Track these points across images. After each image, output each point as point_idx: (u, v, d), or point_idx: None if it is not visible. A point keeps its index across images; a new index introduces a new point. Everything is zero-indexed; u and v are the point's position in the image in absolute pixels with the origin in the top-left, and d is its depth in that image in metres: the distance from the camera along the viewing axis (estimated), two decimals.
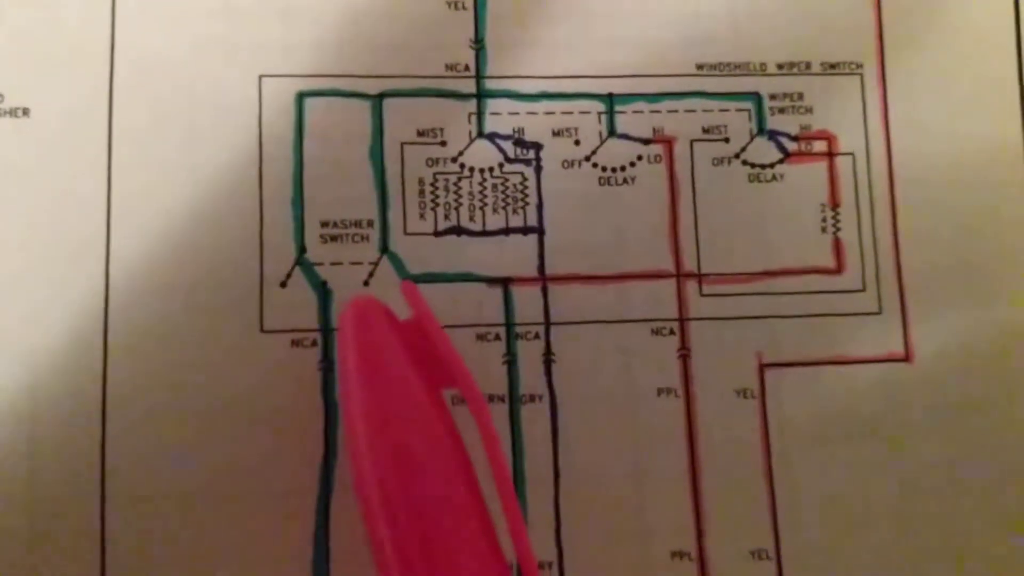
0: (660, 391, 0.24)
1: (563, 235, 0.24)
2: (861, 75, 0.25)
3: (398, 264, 0.24)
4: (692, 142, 0.25)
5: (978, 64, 0.26)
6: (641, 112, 0.25)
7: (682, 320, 0.24)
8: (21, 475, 0.22)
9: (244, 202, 0.23)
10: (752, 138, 0.25)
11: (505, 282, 0.24)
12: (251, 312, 0.23)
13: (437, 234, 0.24)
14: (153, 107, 0.23)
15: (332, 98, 0.24)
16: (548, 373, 0.24)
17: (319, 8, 0.24)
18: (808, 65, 0.25)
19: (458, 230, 0.24)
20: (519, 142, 0.24)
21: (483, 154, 0.24)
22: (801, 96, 0.25)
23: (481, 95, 0.24)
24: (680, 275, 0.24)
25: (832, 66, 0.25)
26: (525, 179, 0.24)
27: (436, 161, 0.24)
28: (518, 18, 0.25)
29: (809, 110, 0.25)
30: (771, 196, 0.25)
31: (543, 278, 0.24)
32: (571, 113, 0.25)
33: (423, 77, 0.24)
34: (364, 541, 0.18)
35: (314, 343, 0.23)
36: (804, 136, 0.25)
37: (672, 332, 0.24)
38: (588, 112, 0.25)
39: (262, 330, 0.23)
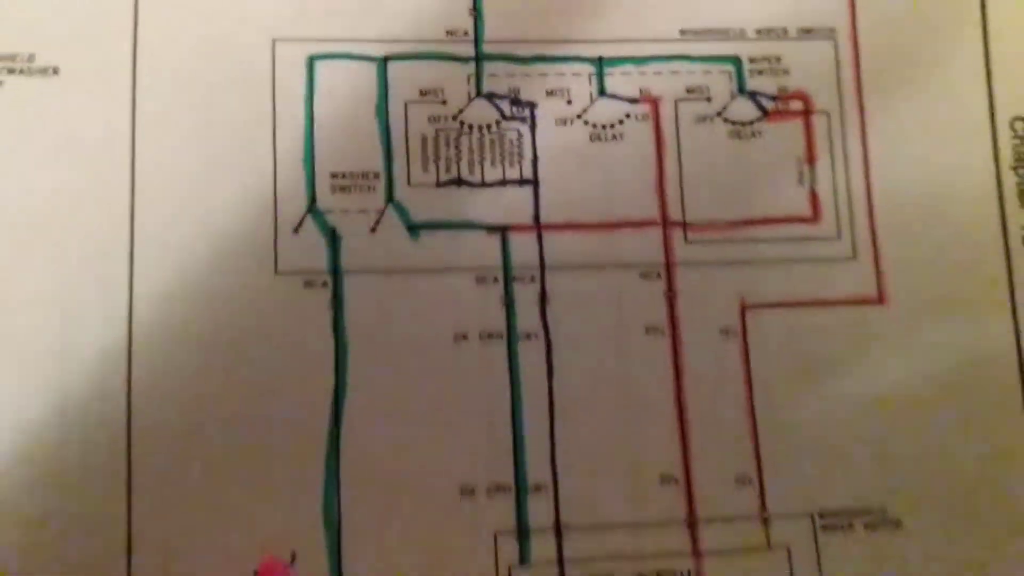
0: (648, 329, 0.25)
1: (556, 187, 0.26)
2: (835, 40, 0.27)
3: (402, 212, 0.25)
4: (677, 102, 0.26)
5: (944, 26, 0.27)
6: (629, 74, 0.26)
7: (668, 265, 0.26)
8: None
9: (260, 155, 0.25)
10: (733, 98, 0.27)
11: (503, 230, 0.25)
12: (267, 256, 0.25)
13: (439, 185, 0.25)
14: (175, 68, 0.25)
15: (341, 60, 0.26)
16: (543, 313, 0.25)
17: None
18: (785, 31, 0.27)
19: (458, 181, 0.25)
20: (515, 101, 0.26)
21: (481, 112, 0.26)
22: (779, 59, 0.27)
23: (479, 58, 0.26)
24: (666, 223, 0.26)
25: (807, 31, 0.27)
26: (520, 135, 0.26)
27: (438, 118, 0.26)
28: None
29: (786, 72, 0.27)
30: (751, 151, 0.26)
31: (538, 226, 0.25)
32: (563, 75, 0.26)
33: (426, 41, 0.26)
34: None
35: (324, 284, 0.24)
36: (782, 96, 0.27)
37: (659, 276, 0.25)
38: (579, 74, 0.26)
39: (277, 272, 0.24)
